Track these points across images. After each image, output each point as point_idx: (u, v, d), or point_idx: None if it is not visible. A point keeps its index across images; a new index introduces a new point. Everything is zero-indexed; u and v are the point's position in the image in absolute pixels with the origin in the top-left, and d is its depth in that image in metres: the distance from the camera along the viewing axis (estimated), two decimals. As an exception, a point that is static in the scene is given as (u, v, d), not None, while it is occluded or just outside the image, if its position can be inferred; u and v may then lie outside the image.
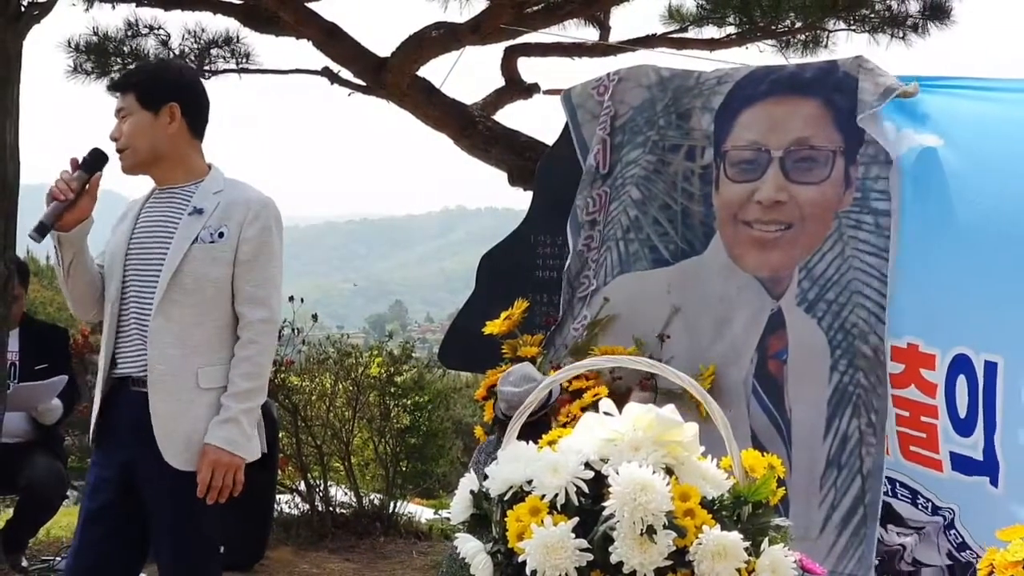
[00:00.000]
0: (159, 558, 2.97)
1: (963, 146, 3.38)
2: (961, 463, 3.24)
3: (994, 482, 3.16)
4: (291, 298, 5.90)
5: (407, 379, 6.52)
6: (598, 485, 1.55)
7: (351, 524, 6.09)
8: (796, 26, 7.03)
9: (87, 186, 2.93)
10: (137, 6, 6.99)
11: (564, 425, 3.10)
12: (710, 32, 7.16)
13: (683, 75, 3.97)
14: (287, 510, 6.16)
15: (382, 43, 6.95)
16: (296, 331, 6.14)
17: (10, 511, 5.06)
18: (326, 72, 7.01)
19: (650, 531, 1.47)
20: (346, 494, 6.36)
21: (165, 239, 2.96)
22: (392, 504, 6.26)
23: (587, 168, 4.04)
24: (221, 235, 2.95)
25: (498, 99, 7.17)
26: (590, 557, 1.50)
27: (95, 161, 2.94)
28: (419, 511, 6.62)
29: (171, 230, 2.96)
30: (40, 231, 2.89)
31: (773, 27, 7.01)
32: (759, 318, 3.67)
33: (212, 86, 7.21)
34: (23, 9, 4.82)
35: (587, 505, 1.54)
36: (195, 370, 2.91)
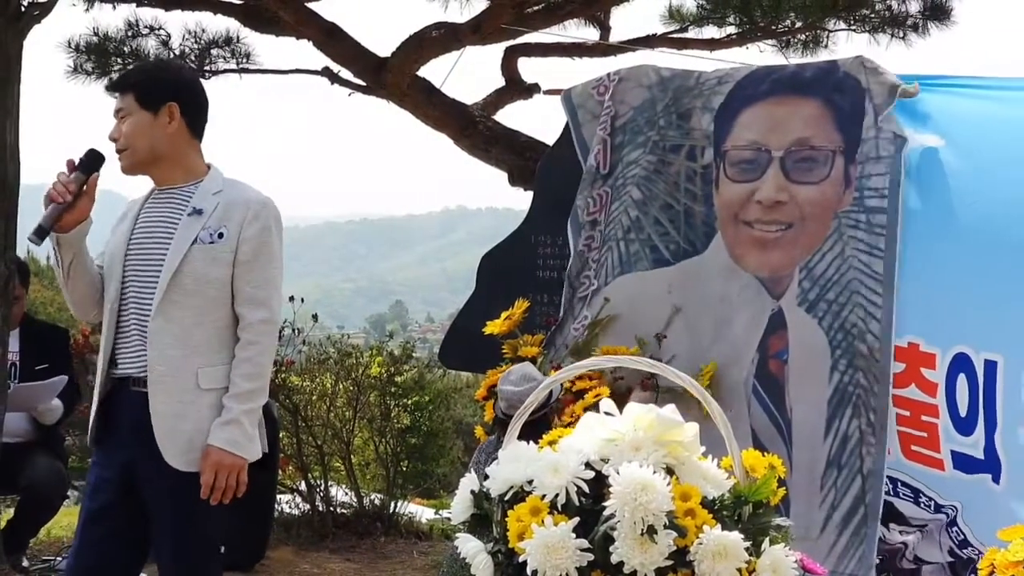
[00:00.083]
0: (159, 558, 2.97)
1: (964, 146, 3.38)
2: (962, 462, 3.24)
3: (996, 480, 3.17)
4: (291, 298, 5.91)
5: (408, 379, 6.52)
6: (599, 485, 1.55)
7: (352, 524, 6.10)
8: (796, 26, 7.03)
9: (85, 187, 2.92)
10: (137, 6, 6.99)
11: (568, 425, 3.10)
12: (710, 32, 7.17)
13: (683, 75, 3.97)
14: (288, 510, 6.17)
15: (382, 43, 6.95)
16: (297, 331, 6.14)
17: (11, 511, 5.06)
18: (326, 72, 7.01)
19: (651, 531, 1.47)
20: (347, 494, 6.36)
21: (165, 240, 2.95)
22: (393, 504, 6.27)
23: (587, 168, 4.04)
24: (221, 236, 2.94)
25: (498, 99, 7.17)
26: (591, 557, 1.50)
27: (92, 162, 2.93)
28: (420, 511, 6.62)
29: (171, 231, 2.96)
30: (39, 234, 2.88)
31: (773, 27, 7.01)
32: (760, 318, 3.67)
33: (212, 86, 7.23)
34: (23, 9, 4.82)
35: (588, 505, 1.54)
36: (195, 371, 2.91)
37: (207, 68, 7.05)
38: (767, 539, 1.54)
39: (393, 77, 6.62)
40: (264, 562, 5.40)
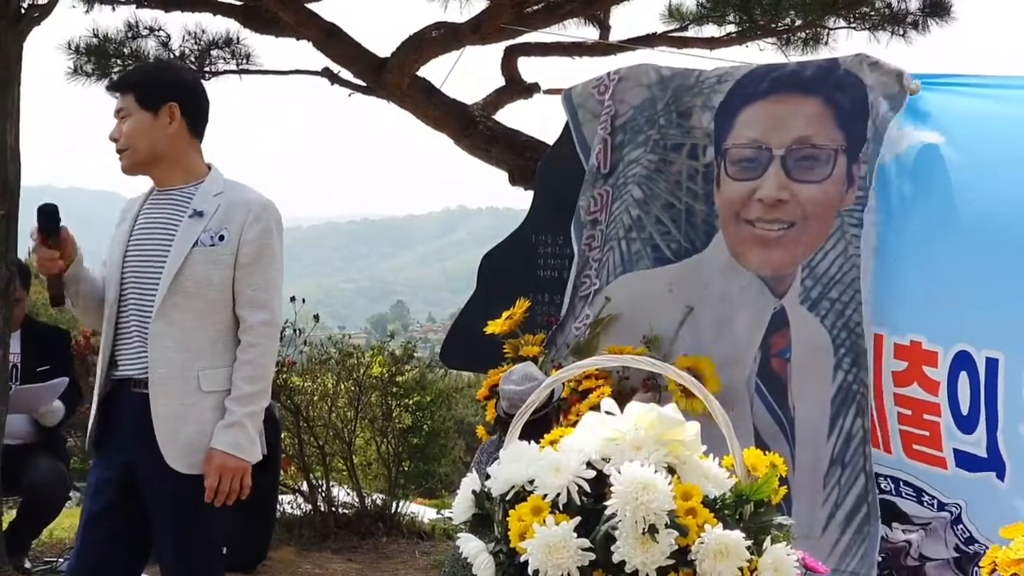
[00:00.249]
0: (161, 559, 2.97)
1: (964, 143, 3.38)
2: (965, 460, 3.24)
3: (1000, 477, 3.16)
4: (293, 299, 5.91)
5: (409, 379, 6.52)
6: (600, 484, 1.54)
7: (354, 524, 6.10)
8: (796, 24, 7.03)
9: (61, 241, 2.97)
10: (137, 7, 7.00)
11: (574, 424, 3.10)
12: (710, 31, 7.17)
13: (683, 74, 3.97)
14: (290, 510, 6.17)
15: (382, 43, 6.96)
16: (298, 332, 6.15)
17: (13, 513, 5.06)
18: (326, 73, 7.01)
19: (652, 530, 1.47)
20: (348, 494, 6.37)
21: (165, 242, 2.95)
22: (394, 504, 6.27)
23: (589, 168, 4.04)
24: (222, 238, 2.94)
25: (498, 99, 7.17)
26: (592, 556, 1.50)
27: (49, 220, 2.96)
28: (421, 511, 6.63)
29: (171, 233, 2.96)
30: (56, 303, 3.04)
31: (773, 25, 7.01)
32: (762, 317, 3.66)
33: (213, 87, 7.22)
34: (23, 11, 4.82)
35: (589, 504, 1.54)
36: (197, 373, 2.90)
37: (207, 69, 7.06)
38: (769, 538, 1.54)
39: (393, 77, 6.62)
40: (266, 562, 5.40)
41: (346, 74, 6.97)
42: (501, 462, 1.63)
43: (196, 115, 3.05)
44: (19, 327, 4.94)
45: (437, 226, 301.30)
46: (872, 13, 6.94)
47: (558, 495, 1.54)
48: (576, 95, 4.13)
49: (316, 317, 6.44)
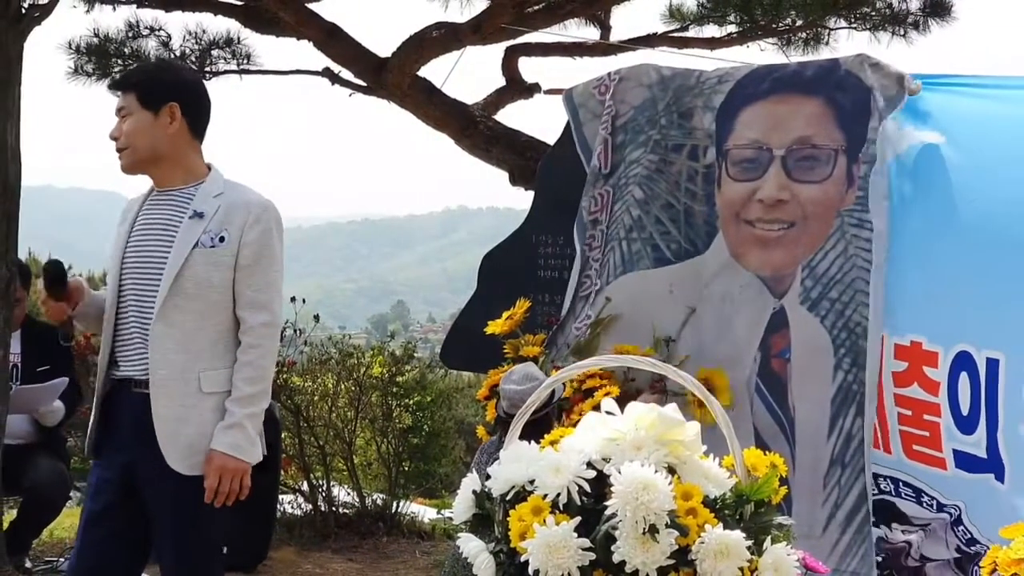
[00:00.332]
0: (161, 559, 2.97)
1: (964, 144, 3.38)
2: (964, 461, 3.23)
3: (1000, 479, 3.16)
4: (293, 299, 5.90)
5: (409, 379, 6.52)
6: (600, 484, 1.54)
7: (354, 524, 6.10)
8: (797, 24, 7.03)
9: (69, 292, 3.04)
10: (138, 7, 7.00)
11: (576, 423, 3.10)
12: (711, 31, 7.18)
13: (684, 74, 3.97)
14: (290, 510, 6.17)
15: (382, 43, 6.96)
16: (298, 332, 6.14)
17: (13, 512, 5.07)
18: (327, 73, 7.01)
19: (652, 530, 1.47)
20: (349, 494, 6.37)
21: (165, 243, 2.95)
22: (395, 504, 6.27)
23: (591, 168, 4.04)
24: (222, 239, 2.94)
25: (499, 99, 7.17)
26: (592, 556, 1.50)
27: (57, 275, 3.05)
28: (422, 511, 6.62)
29: (171, 233, 2.95)
30: (66, 341, 3.22)
31: (774, 25, 7.01)
32: (761, 317, 3.66)
33: (213, 87, 7.22)
34: (24, 11, 4.82)
35: (589, 504, 1.54)
36: (197, 375, 2.90)
37: (208, 69, 7.06)
38: (769, 538, 1.54)
39: (393, 77, 6.62)
40: (266, 562, 5.40)
41: (347, 74, 6.97)
42: (501, 462, 1.63)
43: (197, 115, 3.05)
44: (19, 327, 4.94)
45: (437, 226, 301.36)
46: (873, 13, 6.94)
47: (558, 495, 1.54)
48: (577, 95, 4.13)
49: (316, 317, 6.43)
